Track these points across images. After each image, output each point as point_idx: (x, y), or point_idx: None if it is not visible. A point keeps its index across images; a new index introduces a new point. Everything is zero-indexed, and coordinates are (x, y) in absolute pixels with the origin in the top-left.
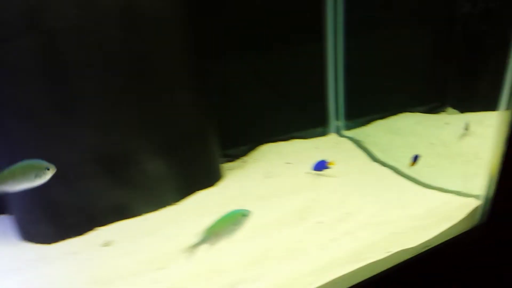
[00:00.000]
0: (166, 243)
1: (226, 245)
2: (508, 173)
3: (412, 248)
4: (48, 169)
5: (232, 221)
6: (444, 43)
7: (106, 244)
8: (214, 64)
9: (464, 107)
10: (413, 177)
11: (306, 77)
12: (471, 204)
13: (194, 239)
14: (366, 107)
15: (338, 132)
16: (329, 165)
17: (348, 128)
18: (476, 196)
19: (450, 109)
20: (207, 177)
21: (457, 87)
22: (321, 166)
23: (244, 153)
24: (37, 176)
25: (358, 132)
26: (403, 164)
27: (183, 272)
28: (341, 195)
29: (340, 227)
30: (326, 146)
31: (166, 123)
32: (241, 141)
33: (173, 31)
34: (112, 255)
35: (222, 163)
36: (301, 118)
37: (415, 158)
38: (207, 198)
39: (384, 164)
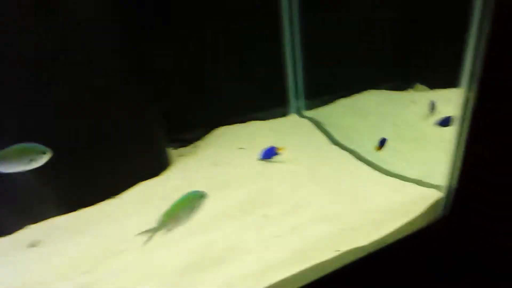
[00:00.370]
0: (95, 242)
1: (160, 246)
2: (473, 159)
3: (363, 246)
4: (44, 154)
5: (189, 204)
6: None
7: (33, 244)
8: (160, 45)
9: (434, 83)
10: (373, 163)
11: (263, 56)
12: (432, 196)
13: (151, 225)
14: (327, 85)
15: (298, 112)
16: (279, 151)
17: (309, 107)
18: (438, 187)
19: (418, 86)
20: (150, 166)
21: (425, 61)
22: (269, 153)
23: (198, 137)
24: (32, 160)
25: (319, 112)
26: (364, 148)
27: (110, 277)
28: (292, 185)
29: (287, 221)
30: (284, 128)
31: (91, 110)
32: (194, 124)
33: (94, 11)
34: (38, 257)
35: (171, 149)
36: (260, 99)
37: (382, 142)
38: (147, 190)
39: (344, 147)
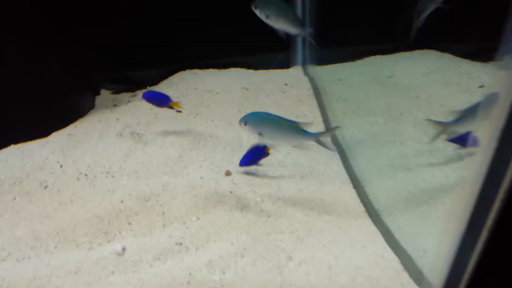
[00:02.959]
0: None
1: None
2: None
3: None
4: None
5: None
6: None
7: None
8: None
9: None
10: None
11: None
12: None
13: None
14: (355, 31)
15: (304, 64)
16: (267, 151)
17: (323, 61)
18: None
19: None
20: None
21: None
22: (253, 156)
23: (153, 79)
24: None
25: (332, 72)
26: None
27: None
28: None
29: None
30: (271, 87)
31: None
32: (153, 62)
33: None
34: None
35: (109, 92)
36: (254, 38)
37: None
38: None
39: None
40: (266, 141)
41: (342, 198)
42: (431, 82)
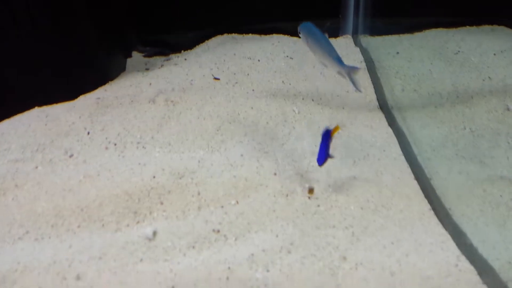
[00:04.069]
0: None
1: None
2: None
3: None
4: None
5: None
6: None
7: None
8: None
9: None
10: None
11: None
12: None
13: None
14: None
15: (356, 33)
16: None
17: (376, 31)
18: None
19: None
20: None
21: None
22: (326, 150)
23: (187, 43)
24: None
25: (388, 44)
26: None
27: None
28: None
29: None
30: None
31: None
32: (184, 25)
33: None
34: None
35: (141, 54)
36: (302, 4)
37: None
38: None
39: (398, 130)
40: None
41: (403, 191)
42: (505, 63)
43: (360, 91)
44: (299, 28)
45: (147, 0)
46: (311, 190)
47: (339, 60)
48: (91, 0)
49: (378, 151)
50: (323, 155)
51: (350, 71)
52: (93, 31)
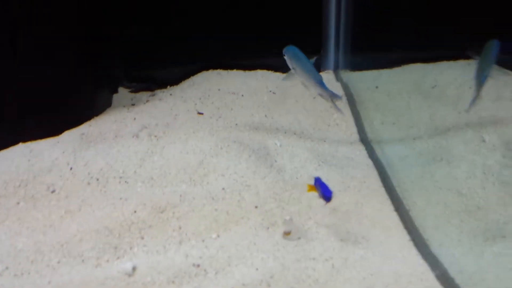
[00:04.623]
0: None
1: None
2: None
3: None
4: None
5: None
6: None
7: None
8: None
9: None
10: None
11: None
12: None
13: None
14: (382, 38)
15: (337, 69)
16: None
17: (356, 66)
18: None
19: None
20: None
21: None
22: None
23: (174, 78)
24: None
25: (367, 78)
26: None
27: None
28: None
29: None
30: (301, 93)
31: None
32: (170, 61)
33: None
34: None
35: (128, 90)
36: (282, 38)
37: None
38: None
39: (375, 158)
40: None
41: (383, 223)
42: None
43: (342, 113)
44: (284, 51)
45: (134, 36)
46: (287, 233)
47: (321, 83)
48: (78, 35)
49: (359, 183)
50: (328, 190)
51: (332, 97)
52: (78, 65)
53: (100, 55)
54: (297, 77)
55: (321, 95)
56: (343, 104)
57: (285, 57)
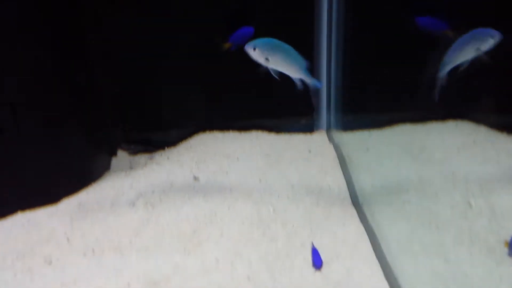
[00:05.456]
0: None
1: None
2: None
3: None
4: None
5: None
6: None
7: None
8: None
9: None
10: None
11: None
12: None
13: None
14: (373, 99)
15: (329, 128)
16: None
17: (349, 126)
18: None
19: None
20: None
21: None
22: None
23: (173, 140)
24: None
25: (360, 139)
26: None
27: None
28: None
29: None
30: (295, 155)
31: None
32: (172, 123)
33: None
34: None
35: (127, 153)
36: (277, 101)
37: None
38: None
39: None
40: (271, 66)
41: None
42: (466, 158)
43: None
44: (251, 45)
45: (131, 99)
46: None
47: (304, 70)
48: (74, 98)
49: (350, 250)
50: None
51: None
52: (77, 131)
53: (97, 118)
54: (272, 69)
55: (303, 81)
56: (335, 166)
57: (256, 52)
